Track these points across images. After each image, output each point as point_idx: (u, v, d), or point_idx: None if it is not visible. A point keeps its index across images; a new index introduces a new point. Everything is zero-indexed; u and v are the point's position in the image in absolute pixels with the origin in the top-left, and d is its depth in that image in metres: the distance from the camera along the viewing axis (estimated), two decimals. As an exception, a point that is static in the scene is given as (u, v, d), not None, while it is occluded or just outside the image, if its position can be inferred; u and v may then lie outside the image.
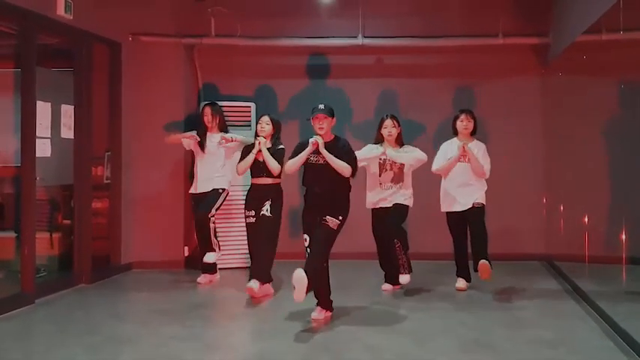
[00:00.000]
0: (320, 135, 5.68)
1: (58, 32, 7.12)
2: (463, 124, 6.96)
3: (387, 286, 6.88)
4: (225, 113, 8.05)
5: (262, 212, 6.61)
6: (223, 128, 7.40)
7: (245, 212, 6.75)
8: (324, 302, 5.78)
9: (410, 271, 6.63)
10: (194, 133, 7.43)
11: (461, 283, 6.98)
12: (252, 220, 6.67)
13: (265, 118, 6.81)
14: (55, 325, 5.64)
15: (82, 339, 5.20)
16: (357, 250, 7.88)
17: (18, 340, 5.24)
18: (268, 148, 6.66)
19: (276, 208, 6.68)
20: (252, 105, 8.38)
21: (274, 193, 6.71)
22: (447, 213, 7.00)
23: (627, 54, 6.06)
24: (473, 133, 7.04)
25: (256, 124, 6.92)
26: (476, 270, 6.71)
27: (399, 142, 6.79)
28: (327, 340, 5.26)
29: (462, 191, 6.85)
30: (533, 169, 8.64)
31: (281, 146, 6.73)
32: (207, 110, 7.40)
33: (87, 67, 7.39)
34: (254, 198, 6.72)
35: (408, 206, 6.77)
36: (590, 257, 6.80)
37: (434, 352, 4.90)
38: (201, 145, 7.33)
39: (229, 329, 5.62)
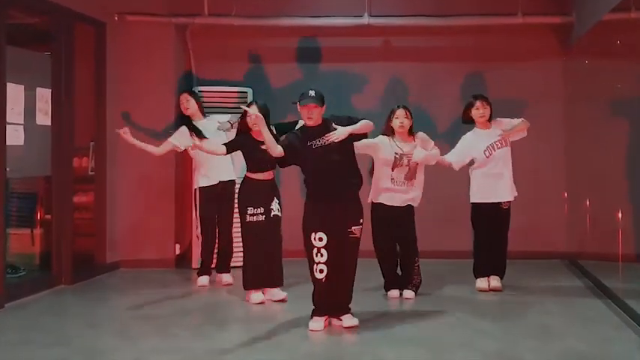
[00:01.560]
0: (309, 124, 5.10)
1: (35, 10, 6.57)
2: (479, 111, 6.36)
3: (395, 293, 6.20)
4: (220, 99, 7.57)
5: (274, 212, 5.94)
6: (203, 113, 6.83)
7: (249, 210, 5.92)
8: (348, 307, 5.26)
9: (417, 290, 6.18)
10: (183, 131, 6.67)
11: (484, 283, 6.39)
12: (262, 218, 5.93)
13: (253, 109, 5.82)
14: (22, 334, 5.00)
15: (50, 351, 4.57)
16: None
17: (-24, 352, 4.62)
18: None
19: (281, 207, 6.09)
20: (249, 90, 7.79)
21: (276, 189, 6.07)
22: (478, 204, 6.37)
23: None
24: (489, 120, 6.43)
25: (242, 116, 6.06)
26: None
27: (411, 134, 6.10)
28: (332, 354, 4.64)
29: (497, 183, 6.30)
30: (554, 162, 8.02)
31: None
32: (183, 97, 6.79)
33: (67, 49, 6.80)
34: (260, 194, 5.96)
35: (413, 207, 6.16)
36: (620, 255, 6.21)
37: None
38: (198, 132, 6.61)
39: (218, 340, 4.93)
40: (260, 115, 5.31)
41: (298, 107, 5.14)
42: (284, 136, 5.31)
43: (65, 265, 6.73)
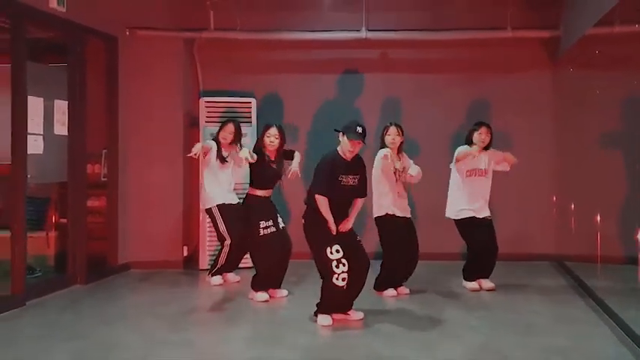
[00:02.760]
0: (348, 157, 5.49)
1: (51, 26, 6.91)
2: (481, 137, 6.81)
3: (392, 292, 6.62)
4: (225, 109, 7.89)
5: (281, 224, 6.43)
6: (238, 143, 7.00)
7: (262, 224, 6.31)
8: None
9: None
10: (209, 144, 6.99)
11: (475, 284, 6.86)
12: (274, 229, 6.36)
13: (274, 131, 6.36)
14: (43, 329, 5.40)
15: (69, 344, 4.96)
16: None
17: (1, 345, 5.00)
18: (276, 160, 6.41)
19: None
20: (253, 101, 8.15)
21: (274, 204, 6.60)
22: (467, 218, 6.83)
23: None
24: (486, 148, 6.87)
25: (262, 134, 6.41)
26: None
27: (400, 150, 6.61)
28: (329, 348, 5.03)
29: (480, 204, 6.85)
30: (543, 167, 8.39)
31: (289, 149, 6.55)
32: (230, 128, 6.97)
33: (81, 62, 7.17)
34: (267, 208, 6.44)
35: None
36: (603, 258, 6.54)
37: (441, 359, 4.65)
38: (221, 156, 6.99)
39: (224, 335, 5.35)
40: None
41: (341, 137, 5.44)
42: (324, 164, 5.49)
43: (80, 266, 7.11)
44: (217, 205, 6.96)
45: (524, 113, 8.38)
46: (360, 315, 5.65)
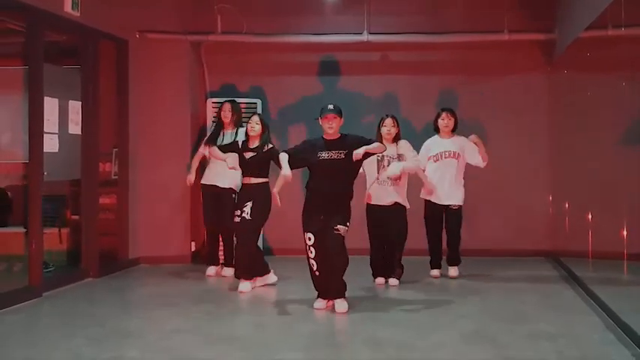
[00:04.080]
0: (330, 134, 5.84)
1: (66, 29, 7.20)
2: (444, 122, 7.27)
3: (381, 280, 6.95)
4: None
5: (243, 215, 6.63)
6: (239, 125, 7.46)
7: (236, 212, 6.73)
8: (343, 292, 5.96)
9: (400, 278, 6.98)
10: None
11: (437, 272, 7.37)
12: (238, 219, 6.68)
13: (255, 118, 6.81)
14: (61, 318, 5.72)
15: (87, 331, 5.25)
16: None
17: (23, 332, 5.31)
18: (257, 147, 6.70)
19: (258, 210, 6.64)
20: (258, 101, 8.44)
21: (259, 194, 6.65)
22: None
23: (635, 50, 6.03)
24: (453, 130, 7.31)
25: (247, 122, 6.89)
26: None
27: (396, 139, 6.90)
28: (329, 333, 5.35)
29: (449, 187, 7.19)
30: (540, 167, 8.60)
31: (271, 146, 6.74)
32: (227, 107, 7.49)
33: (94, 64, 7.45)
34: (241, 198, 6.78)
35: (406, 208, 6.94)
36: (595, 253, 6.78)
37: (436, 344, 4.93)
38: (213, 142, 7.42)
39: (234, 322, 5.67)
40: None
41: (320, 121, 5.87)
42: (305, 140, 6.17)
43: (92, 260, 7.39)
44: (201, 184, 7.45)
45: (521, 114, 8.61)
46: (343, 308, 5.78)
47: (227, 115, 7.44)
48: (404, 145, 6.87)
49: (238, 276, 6.79)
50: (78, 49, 7.42)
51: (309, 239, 5.82)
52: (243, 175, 6.80)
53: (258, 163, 6.68)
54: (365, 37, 8.45)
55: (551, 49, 8.46)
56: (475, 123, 8.28)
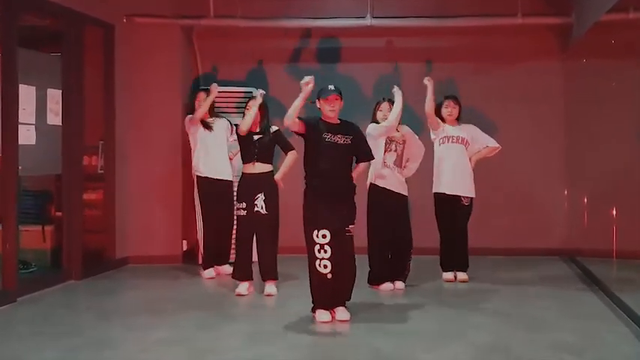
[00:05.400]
0: (330, 117, 5.32)
1: (46, 12, 6.71)
2: (447, 110, 6.82)
3: (389, 286, 6.39)
4: (226, 99, 7.70)
5: (256, 209, 6.10)
6: (213, 114, 7.11)
7: (237, 205, 6.20)
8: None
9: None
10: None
11: (451, 275, 6.78)
12: (243, 213, 6.13)
13: (253, 102, 6.25)
14: (33, 326, 5.19)
15: (61, 341, 4.75)
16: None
17: (-10, 342, 4.81)
18: (261, 131, 6.16)
19: (273, 202, 6.15)
20: (254, 90, 7.89)
21: (269, 184, 6.15)
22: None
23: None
24: (458, 119, 6.84)
25: (245, 107, 6.32)
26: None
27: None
28: (330, 345, 4.82)
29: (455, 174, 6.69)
30: (555, 160, 8.14)
31: (275, 128, 6.24)
32: (202, 96, 7.07)
33: (77, 50, 6.96)
34: (245, 188, 6.17)
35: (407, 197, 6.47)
36: (618, 252, 6.32)
37: (447, 358, 4.42)
38: (206, 125, 6.99)
39: (223, 332, 5.12)
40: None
41: (319, 103, 5.33)
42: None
43: (75, 260, 6.90)
44: (201, 177, 6.96)
45: (534, 103, 8.14)
46: (346, 316, 5.28)
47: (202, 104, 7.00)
48: (409, 133, 6.43)
49: (239, 277, 6.23)
50: (59, 34, 6.90)
51: (324, 237, 5.15)
52: (247, 161, 6.20)
53: (267, 148, 6.16)
54: (368, 21, 7.93)
55: (567, 34, 7.95)
56: (485, 112, 7.89)
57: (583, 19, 7.21)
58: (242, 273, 6.22)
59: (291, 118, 5.16)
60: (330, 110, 5.29)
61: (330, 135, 5.27)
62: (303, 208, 5.30)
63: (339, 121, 5.38)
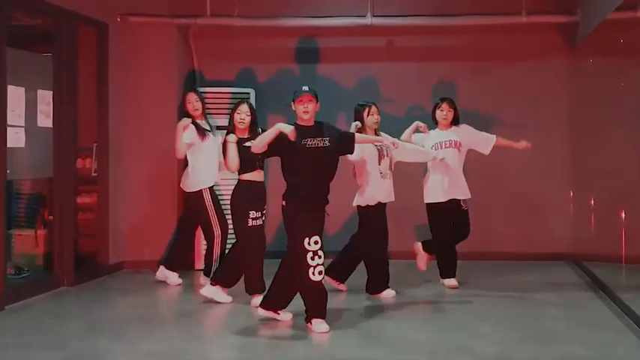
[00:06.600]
0: (305, 120, 5.14)
1: (36, 10, 6.52)
2: (443, 113, 6.58)
3: (390, 292, 6.22)
4: (222, 100, 7.50)
5: (264, 218, 5.91)
6: (205, 115, 6.82)
7: (251, 213, 5.80)
8: None
9: None
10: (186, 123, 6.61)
11: (454, 281, 6.57)
12: (259, 222, 5.86)
13: (245, 108, 5.95)
14: (17, 338, 4.98)
15: (44, 355, 4.55)
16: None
17: (-27, 355, 4.61)
18: (249, 138, 5.86)
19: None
20: (252, 91, 7.74)
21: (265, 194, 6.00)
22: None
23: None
24: (454, 123, 6.61)
25: (233, 111, 5.97)
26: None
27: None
28: (327, 357, 4.60)
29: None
30: (560, 160, 7.94)
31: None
32: (193, 97, 6.69)
33: (69, 50, 6.75)
34: (257, 197, 5.90)
35: None
36: (627, 257, 6.10)
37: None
38: (202, 132, 6.63)
39: (216, 343, 4.92)
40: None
41: (293, 106, 5.17)
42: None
43: (67, 266, 6.69)
44: (208, 189, 6.60)
45: (538, 103, 7.95)
46: (326, 328, 5.04)
47: (197, 105, 6.67)
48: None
49: (258, 290, 5.86)
50: (51, 33, 6.70)
51: (316, 243, 4.95)
52: (247, 170, 5.89)
53: (263, 154, 5.80)
54: (369, 20, 7.72)
55: (572, 33, 7.76)
56: (488, 112, 7.73)
57: (589, 17, 7.03)
58: (260, 285, 5.87)
59: (259, 149, 5.15)
60: (304, 112, 5.12)
61: (308, 140, 5.10)
62: (287, 220, 5.12)
63: (314, 123, 5.21)
